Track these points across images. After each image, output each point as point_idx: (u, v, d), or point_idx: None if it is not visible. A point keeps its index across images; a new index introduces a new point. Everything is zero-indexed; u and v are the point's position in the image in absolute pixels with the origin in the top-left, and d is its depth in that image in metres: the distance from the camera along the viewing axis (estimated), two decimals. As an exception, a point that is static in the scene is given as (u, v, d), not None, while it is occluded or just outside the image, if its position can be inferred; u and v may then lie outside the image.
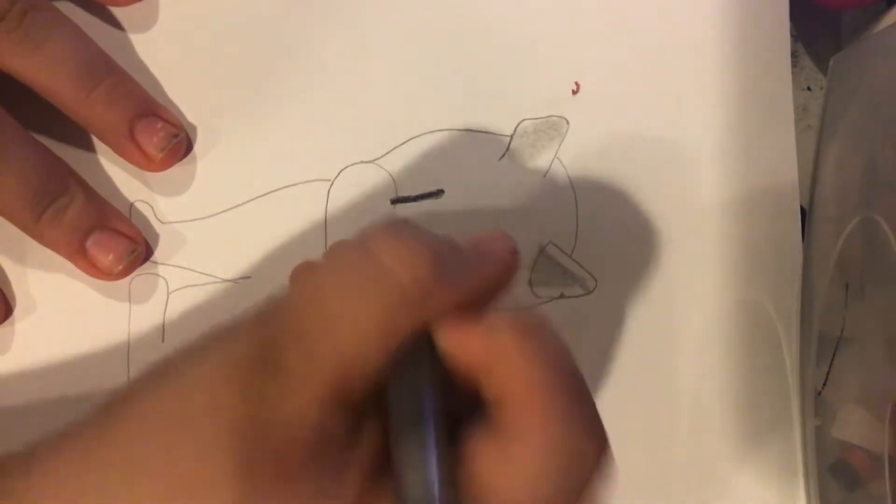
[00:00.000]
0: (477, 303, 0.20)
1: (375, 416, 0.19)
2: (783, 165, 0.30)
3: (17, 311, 0.28)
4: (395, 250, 0.18)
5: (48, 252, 0.27)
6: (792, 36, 0.30)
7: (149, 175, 0.29)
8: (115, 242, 0.27)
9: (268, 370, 0.17)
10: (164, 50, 0.29)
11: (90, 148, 0.29)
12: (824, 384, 0.28)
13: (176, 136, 0.28)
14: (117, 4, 0.28)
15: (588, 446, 0.17)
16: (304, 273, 0.19)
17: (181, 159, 0.29)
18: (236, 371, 0.17)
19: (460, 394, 0.19)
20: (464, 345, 0.18)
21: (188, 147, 0.29)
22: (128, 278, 0.28)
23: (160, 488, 0.17)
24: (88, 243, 0.27)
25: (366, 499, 0.18)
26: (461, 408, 0.19)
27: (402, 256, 0.18)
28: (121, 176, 0.29)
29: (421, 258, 0.18)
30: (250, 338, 0.18)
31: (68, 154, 0.28)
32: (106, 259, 0.27)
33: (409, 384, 0.18)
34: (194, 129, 0.29)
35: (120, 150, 0.28)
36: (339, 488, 0.17)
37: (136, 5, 0.29)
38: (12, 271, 0.28)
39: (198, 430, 0.17)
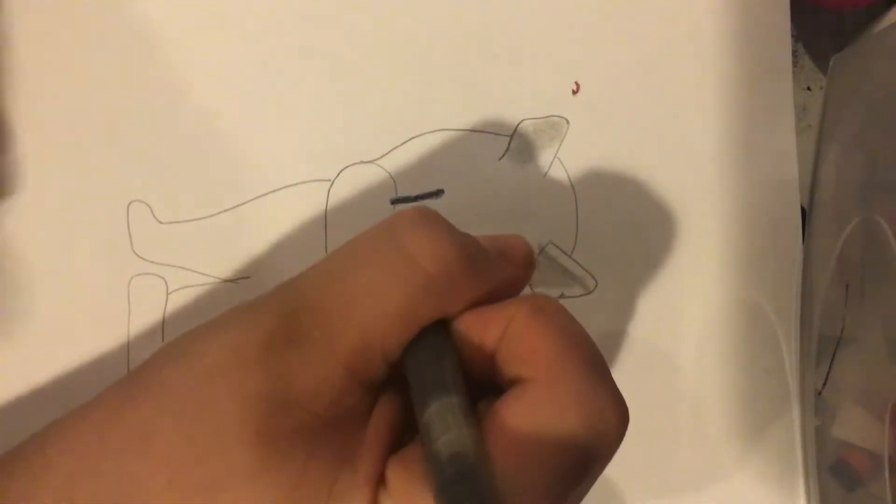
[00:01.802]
0: (492, 301, 0.20)
1: (390, 396, 0.19)
2: (783, 165, 0.30)
3: (16, 311, 0.28)
4: (423, 239, 0.18)
5: (47, 252, 0.27)
6: (792, 35, 0.30)
7: (147, 174, 0.29)
8: None
9: (289, 344, 0.17)
10: (164, 49, 0.29)
11: (87, 147, 0.29)
12: (824, 384, 0.28)
13: None
14: None
15: (609, 407, 0.17)
16: (332, 254, 0.19)
17: None
18: (257, 345, 0.17)
19: (475, 384, 0.19)
20: (480, 328, 0.18)
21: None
22: (126, 279, 0.28)
23: (177, 461, 0.17)
24: None
25: (385, 470, 0.18)
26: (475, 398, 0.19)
27: (430, 246, 0.18)
28: (118, 175, 0.29)
29: (449, 250, 0.18)
30: (271, 312, 0.18)
31: (64, 151, 0.28)
32: None
33: (431, 354, 0.18)
34: (194, 128, 0.29)
35: None
36: (357, 460, 0.17)
37: (137, 3, 0.29)
38: (12, 271, 0.28)
39: (216, 403, 0.17)
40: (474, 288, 0.19)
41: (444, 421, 0.16)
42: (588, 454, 0.17)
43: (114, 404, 0.18)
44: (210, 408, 0.17)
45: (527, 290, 0.29)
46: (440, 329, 0.19)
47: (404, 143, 0.29)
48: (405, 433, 0.19)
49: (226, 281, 0.29)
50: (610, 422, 0.17)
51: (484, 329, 0.18)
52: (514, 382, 0.18)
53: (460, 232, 0.20)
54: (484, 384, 0.19)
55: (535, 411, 0.17)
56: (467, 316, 0.19)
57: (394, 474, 0.17)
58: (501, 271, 0.20)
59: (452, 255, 0.18)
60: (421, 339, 0.18)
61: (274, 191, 0.29)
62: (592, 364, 0.17)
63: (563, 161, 0.29)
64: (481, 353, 0.19)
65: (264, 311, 0.18)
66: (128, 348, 0.28)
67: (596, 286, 0.29)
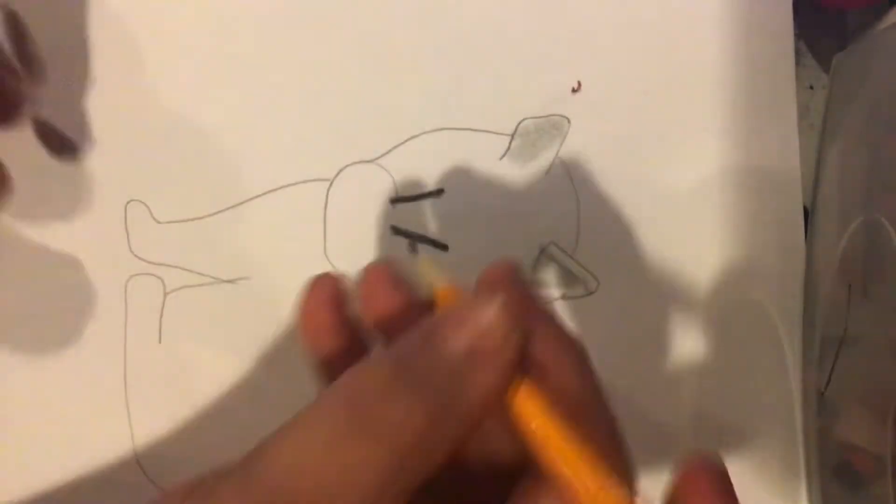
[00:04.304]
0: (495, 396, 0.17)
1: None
2: (786, 164, 0.30)
3: (15, 311, 0.28)
4: (383, 411, 0.16)
5: (45, 253, 0.27)
6: (794, 34, 0.30)
7: (145, 174, 0.28)
8: None
9: None
10: (164, 48, 0.29)
11: (83, 147, 0.28)
12: (827, 385, 0.28)
13: None
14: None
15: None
16: (290, 428, 0.16)
17: None
18: None
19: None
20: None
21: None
22: (124, 279, 0.28)
23: None
24: None
25: None
26: None
27: (390, 419, 0.16)
28: (116, 174, 0.28)
29: (413, 418, 0.16)
30: None
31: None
32: None
33: None
34: (193, 128, 0.29)
35: None
36: None
37: (139, 2, 0.28)
38: (11, 271, 0.28)
39: None
40: (456, 424, 0.16)
41: None
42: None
43: None
44: None
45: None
46: None
47: (404, 142, 0.29)
48: None
49: (224, 281, 0.28)
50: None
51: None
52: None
53: (420, 375, 0.16)
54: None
55: None
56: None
57: None
58: (465, 395, 0.16)
59: (414, 421, 0.15)
60: None
61: (273, 190, 0.29)
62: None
63: (565, 160, 0.29)
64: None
65: None
66: (125, 348, 0.28)
67: (598, 286, 0.29)
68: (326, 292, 0.20)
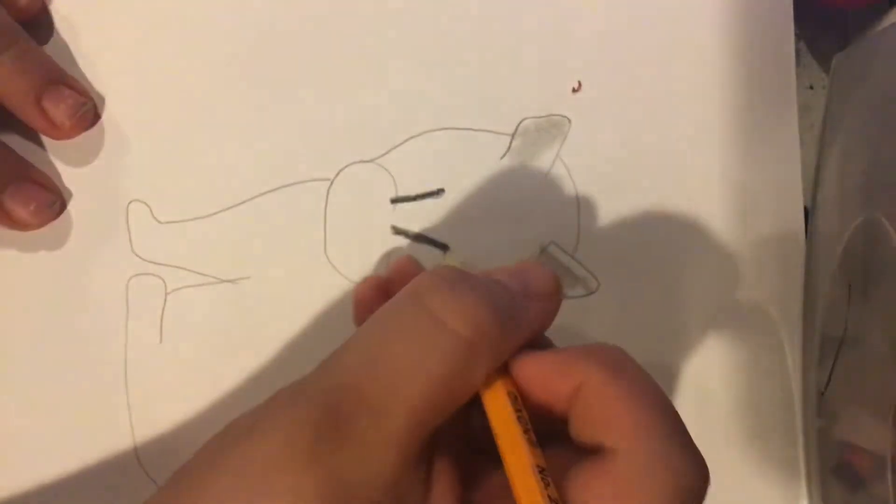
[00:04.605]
0: (532, 339, 0.19)
1: (445, 461, 0.19)
2: (786, 164, 0.30)
3: (16, 311, 0.28)
4: (452, 304, 0.18)
5: (43, 252, 0.27)
6: (794, 34, 0.30)
7: (146, 174, 0.29)
8: (36, 193, 0.27)
9: (337, 436, 0.17)
10: (165, 48, 0.29)
11: (88, 147, 0.29)
12: (827, 385, 0.28)
13: (84, 104, 0.28)
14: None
15: (690, 466, 0.17)
16: (362, 331, 0.19)
17: (89, 128, 0.28)
18: (305, 443, 0.16)
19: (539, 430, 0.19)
20: (547, 382, 0.18)
21: (95, 116, 0.29)
22: (125, 278, 0.28)
23: None
24: (5, 196, 0.27)
25: None
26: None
27: (460, 310, 0.18)
28: (116, 174, 0.29)
29: (480, 309, 0.18)
30: (314, 404, 0.17)
31: (59, 150, 0.28)
32: (26, 211, 0.27)
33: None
34: (194, 128, 0.29)
35: (26, 118, 0.27)
36: None
37: (139, 3, 0.29)
38: (12, 270, 0.28)
39: None
40: (513, 340, 0.18)
41: None
42: None
43: None
44: None
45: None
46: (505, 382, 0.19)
47: (404, 142, 0.29)
48: (467, 489, 0.19)
49: (224, 281, 0.29)
50: (696, 484, 0.17)
51: (550, 382, 0.18)
52: (594, 446, 0.17)
53: (486, 285, 0.19)
54: (549, 426, 0.19)
55: (621, 485, 0.16)
56: (527, 365, 0.18)
57: None
58: (534, 313, 0.19)
59: (484, 314, 0.18)
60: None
61: (273, 190, 0.29)
62: (675, 428, 0.17)
63: (565, 160, 0.29)
64: (548, 405, 0.18)
65: (306, 405, 0.17)
66: (125, 348, 0.28)
67: (598, 287, 0.29)
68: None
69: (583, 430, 0.18)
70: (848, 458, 0.27)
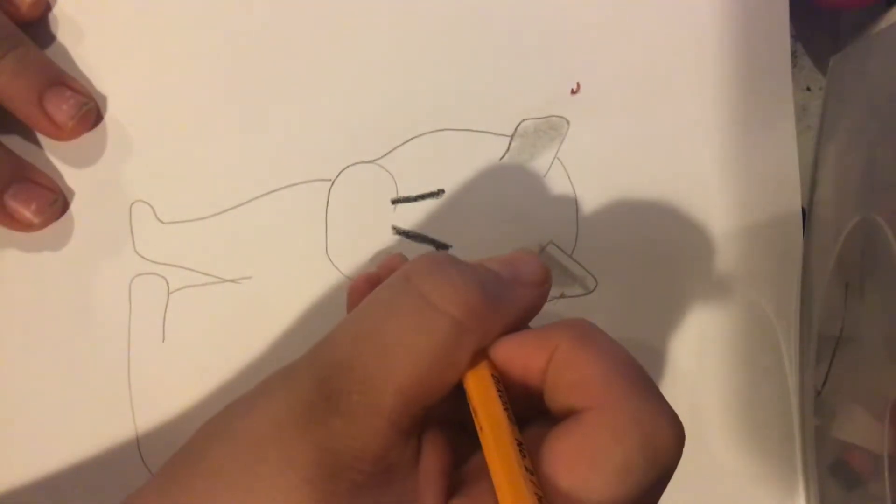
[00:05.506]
0: (518, 325, 0.20)
1: (433, 437, 0.19)
2: (783, 165, 0.30)
3: (20, 310, 0.28)
4: (443, 286, 0.18)
5: (47, 252, 0.27)
6: (791, 36, 0.30)
7: (149, 174, 0.29)
8: (37, 192, 0.27)
9: (329, 409, 0.17)
10: (167, 50, 0.29)
11: (90, 147, 0.29)
12: (824, 384, 0.28)
13: (85, 104, 0.28)
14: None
15: (662, 424, 0.17)
16: (354, 312, 0.19)
17: (91, 129, 0.29)
18: (298, 415, 0.17)
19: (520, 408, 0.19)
20: (523, 357, 0.19)
21: (98, 117, 0.29)
22: (128, 278, 0.28)
23: None
24: (7, 196, 0.27)
25: None
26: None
27: (450, 291, 0.18)
28: (120, 175, 0.29)
29: (469, 291, 0.18)
30: (306, 380, 0.18)
31: (62, 152, 0.28)
32: (28, 210, 0.27)
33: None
34: (195, 128, 0.29)
35: (29, 120, 0.28)
36: None
37: (140, 4, 0.29)
38: (15, 270, 0.28)
39: (268, 479, 0.17)
40: (500, 322, 0.19)
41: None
42: (648, 478, 0.16)
43: (164, 487, 0.18)
44: (263, 484, 0.17)
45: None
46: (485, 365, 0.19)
47: (404, 143, 0.29)
48: (456, 467, 0.19)
49: (226, 280, 0.29)
50: (668, 441, 0.17)
51: (527, 359, 0.19)
52: (567, 411, 0.18)
53: (475, 268, 0.20)
54: (529, 408, 0.19)
55: (592, 441, 0.16)
56: (506, 345, 0.19)
57: None
58: (521, 298, 0.20)
59: (473, 295, 0.18)
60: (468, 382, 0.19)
61: (275, 190, 0.29)
62: (643, 386, 0.17)
63: (564, 161, 0.29)
64: (526, 382, 0.19)
65: (299, 380, 0.18)
66: (129, 347, 0.28)
67: (596, 286, 0.29)
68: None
69: (555, 397, 0.18)
70: (845, 456, 0.27)
